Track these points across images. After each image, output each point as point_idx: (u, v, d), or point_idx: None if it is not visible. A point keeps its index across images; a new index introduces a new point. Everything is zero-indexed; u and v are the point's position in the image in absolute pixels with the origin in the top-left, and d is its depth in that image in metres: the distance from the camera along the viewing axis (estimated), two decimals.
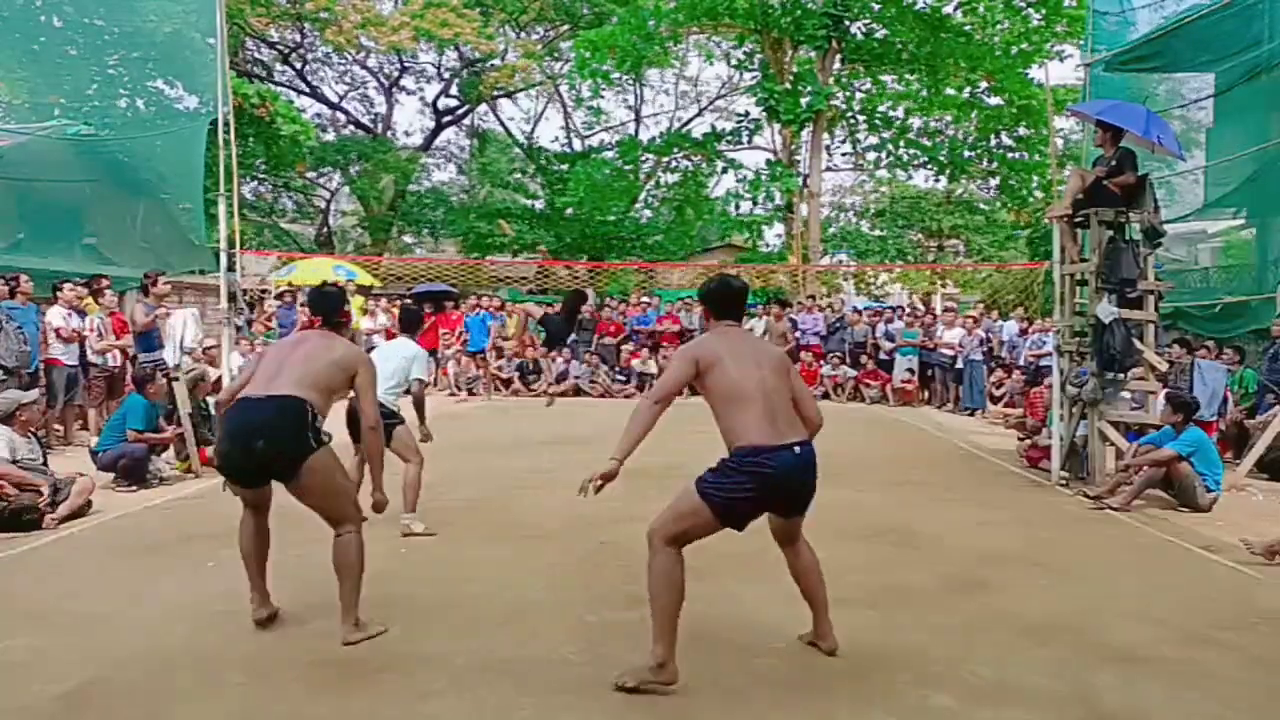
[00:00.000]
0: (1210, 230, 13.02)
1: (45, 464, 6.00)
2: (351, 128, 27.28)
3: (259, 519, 3.68)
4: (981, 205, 24.93)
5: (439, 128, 27.81)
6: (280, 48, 24.82)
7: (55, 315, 8.34)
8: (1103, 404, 7.06)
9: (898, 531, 5.51)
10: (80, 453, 7.47)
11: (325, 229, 28.38)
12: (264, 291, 15.10)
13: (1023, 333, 13.23)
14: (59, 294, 8.50)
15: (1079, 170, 7.81)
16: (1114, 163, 7.14)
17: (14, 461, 5.62)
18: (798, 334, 14.79)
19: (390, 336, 5.58)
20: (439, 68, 26.74)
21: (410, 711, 2.94)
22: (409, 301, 7.08)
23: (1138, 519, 5.98)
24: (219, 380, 7.72)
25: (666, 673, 3.03)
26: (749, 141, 22.49)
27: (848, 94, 21.02)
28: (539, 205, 26.42)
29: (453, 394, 13.99)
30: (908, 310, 16.10)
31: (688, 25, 19.57)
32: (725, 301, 3.41)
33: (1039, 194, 19.35)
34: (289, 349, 3.78)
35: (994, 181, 22.07)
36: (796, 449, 3.10)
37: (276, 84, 23.81)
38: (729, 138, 21.69)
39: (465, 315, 14.96)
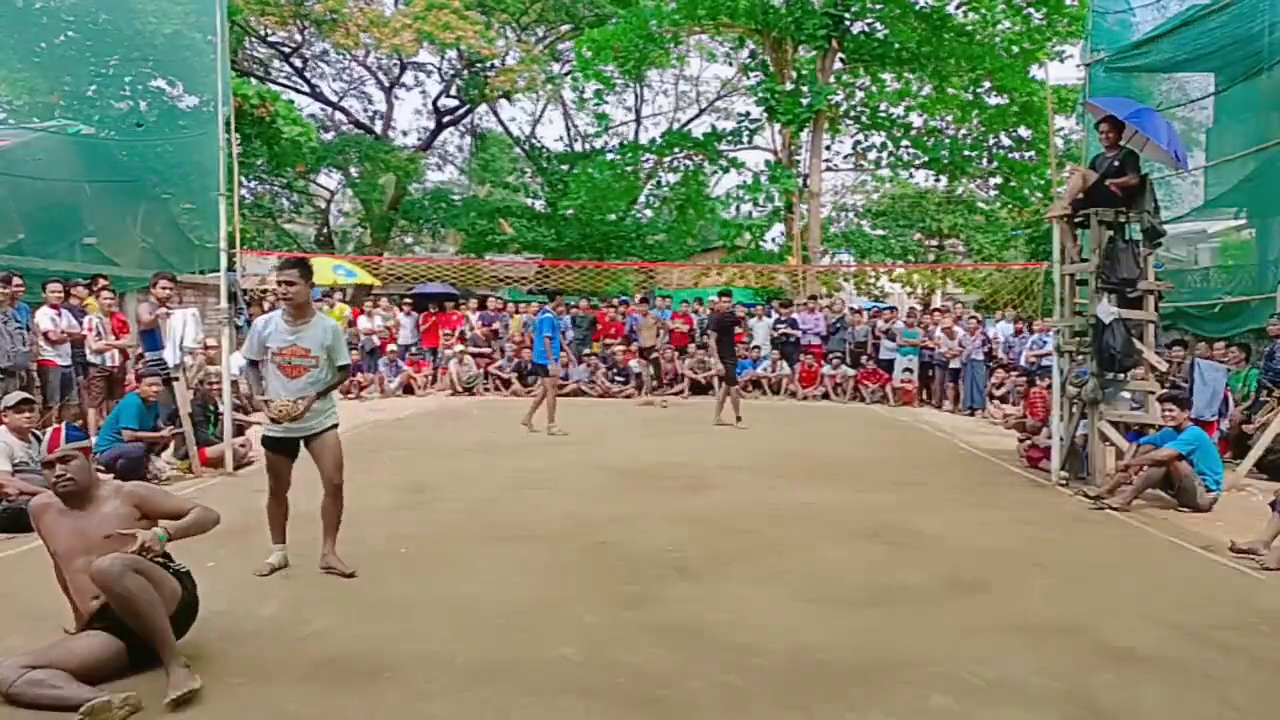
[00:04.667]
0: (1210, 230, 13.02)
1: None
2: (350, 126, 27.26)
3: None
4: (981, 205, 24.95)
5: (439, 128, 27.80)
6: (281, 47, 24.80)
7: (42, 318, 8.33)
8: (1103, 404, 7.05)
9: (898, 531, 5.51)
10: None
11: (325, 229, 28.37)
12: (264, 291, 15.09)
13: (1017, 333, 13.24)
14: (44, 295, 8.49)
15: (1080, 169, 7.79)
16: (1116, 163, 7.13)
17: (13, 464, 5.62)
18: (798, 333, 14.79)
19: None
20: (439, 68, 26.74)
21: (410, 711, 2.94)
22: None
23: (1138, 519, 5.98)
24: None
25: None
26: (749, 141, 22.49)
27: (848, 92, 21.01)
28: (539, 205, 26.42)
29: (455, 393, 14.01)
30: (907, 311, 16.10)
31: (688, 25, 19.57)
32: None
33: (1038, 195, 19.34)
34: None
35: (994, 181, 22.08)
36: None
37: (275, 83, 23.79)
38: (729, 138, 21.69)
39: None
